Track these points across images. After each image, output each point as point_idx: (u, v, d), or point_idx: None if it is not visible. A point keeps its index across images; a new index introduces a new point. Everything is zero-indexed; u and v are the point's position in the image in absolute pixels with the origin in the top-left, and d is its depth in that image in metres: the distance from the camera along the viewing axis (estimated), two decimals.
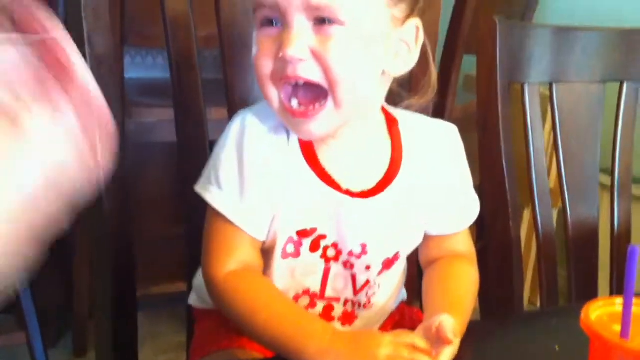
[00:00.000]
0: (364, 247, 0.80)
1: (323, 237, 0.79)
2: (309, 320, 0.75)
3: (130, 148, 0.98)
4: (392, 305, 0.91)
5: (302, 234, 0.78)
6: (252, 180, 0.76)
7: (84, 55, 0.91)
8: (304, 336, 0.71)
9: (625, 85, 1.15)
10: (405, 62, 0.77)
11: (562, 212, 1.14)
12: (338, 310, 0.84)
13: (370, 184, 0.80)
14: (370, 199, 0.79)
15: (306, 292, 0.82)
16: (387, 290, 0.87)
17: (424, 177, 0.82)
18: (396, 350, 0.68)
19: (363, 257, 0.81)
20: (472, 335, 0.78)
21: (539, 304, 1.17)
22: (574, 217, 1.13)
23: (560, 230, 1.15)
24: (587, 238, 1.15)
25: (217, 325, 0.88)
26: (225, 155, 0.78)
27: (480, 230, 2.22)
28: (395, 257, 0.84)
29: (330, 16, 0.70)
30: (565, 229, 1.14)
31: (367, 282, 0.83)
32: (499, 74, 1.00)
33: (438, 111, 1.73)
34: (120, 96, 0.97)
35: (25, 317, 1.74)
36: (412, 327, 0.75)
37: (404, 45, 0.76)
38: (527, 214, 2.26)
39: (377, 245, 0.81)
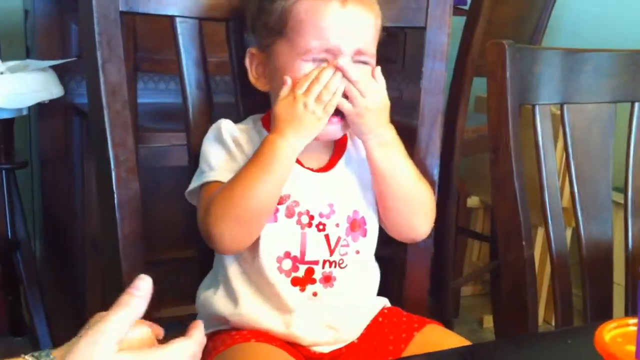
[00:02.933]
0: (331, 206, 0.96)
1: (296, 203, 0.94)
2: (258, 150, 0.90)
3: (142, 173, 0.99)
4: (368, 283, 1.01)
5: (278, 200, 0.92)
6: (235, 153, 0.94)
7: (98, 84, 0.92)
8: (269, 155, 0.89)
9: (636, 106, 1.16)
10: None
11: (576, 231, 1.14)
12: (318, 272, 0.95)
13: (324, 162, 0.98)
14: (327, 172, 0.97)
15: (287, 254, 0.94)
16: (362, 259, 0.98)
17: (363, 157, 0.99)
18: (310, 93, 0.89)
19: (332, 216, 0.95)
20: (487, 355, 0.78)
21: (553, 323, 1.17)
22: (588, 236, 1.13)
23: (574, 249, 1.15)
24: (601, 257, 1.15)
25: (224, 343, 0.94)
26: (209, 148, 0.95)
27: (494, 250, 2.23)
28: (358, 217, 0.97)
29: (365, 60, 0.94)
30: (579, 248, 1.14)
31: (339, 239, 0.96)
32: (509, 97, 1.00)
33: (449, 133, 1.74)
34: (133, 123, 0.98)
35: (39, 341, 1.75)
36: (397, 324, 0.98)
37: None
38: (540, 233, 2.26)
39: (341, 203, 0.96)
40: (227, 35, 1.03)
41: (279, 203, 0.93)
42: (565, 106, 1.10)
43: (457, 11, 1.23)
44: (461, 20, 1.72)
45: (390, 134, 0.95)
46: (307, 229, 0.94)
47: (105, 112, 0.93)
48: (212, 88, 1.05)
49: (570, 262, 1.13)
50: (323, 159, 0.99)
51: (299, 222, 0.94)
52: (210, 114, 1.04)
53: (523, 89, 1.04)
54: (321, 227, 0.95)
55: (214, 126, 0.97)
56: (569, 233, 1.80)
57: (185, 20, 1.00)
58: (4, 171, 1.78)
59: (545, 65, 1.06)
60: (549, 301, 2.33)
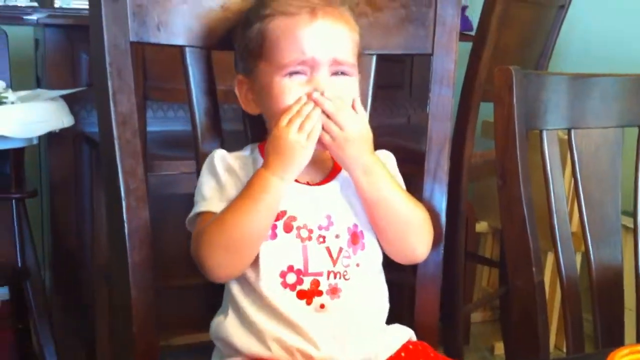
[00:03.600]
0: (329, 217, 0.97)
1: (293, 218, 0.96)
2: (249, 184, 0.93)
3: (151, 201, 0.99)
4: (375, 300, 1.01)
5: (275, 217, 0.95)
6: (227, 183, 0.97)
7: (109, 114, 0.93)
8: (260, 190, 0.92)
9: None
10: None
11: (585, 256, 1.14)
12: (324, 284, 0.95)
13: (321, 177, 1.00)
14: (323, 185, 0.99)
15: (290, 268, 0.94)
16: (364, 272, 0.98)
17: None
18: (291, 122, 0.91)
19: (331, 227, 0.97)
20: None
21: (565, 349, 1.16)
22: (598, 261, 1.13)
23: (584, 274, 1.14)
24: (611, 282, 1.15)
25: None
26: (202, 179, 0.99)
27: (503, 275, 2.22)
28: (357, 231, 0.99)
29: (344, 70, 0.96)
30: (589, 273, 1.13)
31: (340, 250, 0.97)
32: (516, 122, 1.00)
33: (456, 158, 1.75)
34: (143, 151, 0.99)
35: None
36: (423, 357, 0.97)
37: None
38: (550, 258, 2.25)
39: (339, 215, 0.98)
40: (236, 64, 1.04)
41: (276, 220, 0.94)
42: (572, 131, 1.10)
43: (463, 37, 1.24)
44: (467, 46, 1.73)
45: (373, 163, 0.96)
46: (307, 242, 0.95)
47: (116, 141, 0.94)
48: (221, 116, 1.06)
49: (581, 287, 1.13)
50: (321, 173, 1.00)
51: (298, 236, 0.95)
52: (219, 141, 1.05)
53: (530, 114, 1.04)
54: (321, 239, 0.96)
55: (209, 157, 1.00)
56: (578, 258, 1.79)
57: (194, 50, 1.01)
58: (14, 200, 1.79)
59: (552, 91, 1.07)
60: (559, 327, 2.31)
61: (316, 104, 0.92)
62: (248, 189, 0.93)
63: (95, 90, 0.98)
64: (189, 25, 0.99)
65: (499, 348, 2.34)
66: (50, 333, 1.80)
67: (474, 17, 1.90)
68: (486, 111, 1.70)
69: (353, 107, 0.95)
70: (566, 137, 1.12)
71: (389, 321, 1.03)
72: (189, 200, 1.00)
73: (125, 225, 0.96)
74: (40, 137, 1.75)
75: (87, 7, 0.99)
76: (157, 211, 1.88)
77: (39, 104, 1.67)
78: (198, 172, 1.03)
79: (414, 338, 1.03)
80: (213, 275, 0.94)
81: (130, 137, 0.95)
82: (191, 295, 2.06)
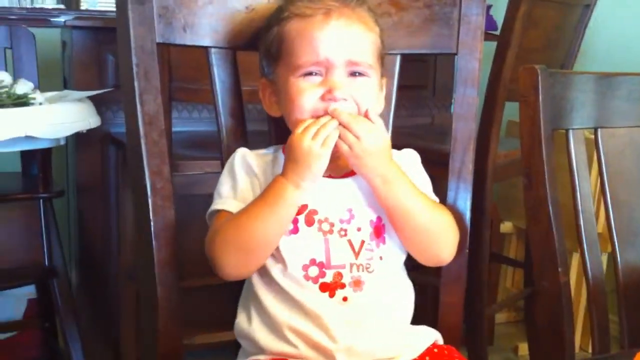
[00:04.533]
0: (350, 211, 0.97)
1: (315, 212, 0.96)
2: (265, 191, 0.94)
3: (176, 201, 1.00)
4: (398, 295, 1.00)
5: (297, 211, 0.95)
6: (244, 183, 0.98)
7: (136, 114, 0.94)
8: (276, 197, 0.92)
9: None
10: (380, 103, 1.03)
11: (612, 257, 1.13)
12: (347, 276, 0.95)
13: (343, 170, 0.99)
14: (345, 179, 0.99)
15: (313, 261, 0.95)
16: (387, 265, 0.98)
17: None
18: (307, 130, 0.91)
19: (352, 220, 0.97)
20: None
21: (590, 351, 1.15)
22: (624, 262, 1.12)
23: (610, 275, 1.13)
24: (638, 283, 1.14)
25: None
26: (222, 178, 1.00)
27: (528, 276, 2.20)
28: (381, 224, 0.98)
29: (361, 71, 0.96)
30: (616, 274, 1.12)
31: (362, 242, 0.97)
32: (542, 122, 1.00)
33: (481, 158, 1.74)
34: (169, 151, 1.00)
35: None
36: None
37: (382, 92, 1.03)
38: (575, 258, 2.23)
39: (360, 208, 0.98)
40: (261, 67, 1.05)
41: (297, 213, 0.95)
42: (598, 130, 1.10)
43: (487, 36, 1.23)
44: (492, 45, 1.73)
45: (392, 172, 0.95)
46: (329, 236, 0.96)
47: (143, 141, 0.95)
48: (245, 116, 1.07)
49: (607, 288, 1.12)
50: (343, 166, 0.99)
51: (320, 229, 0.96)
52: (244, 141, 1.05)
53: (556, 114, 1.03)
54: (343, 232, 0.96)
55: (232, 155, 1.01)
56: (604, 258, 1.77)
57: (219, 51, 1.02)
58: (41, 200, 1.81)
59: (577, 90, 1.06)
60: (585, 328, 2.29)
61: (332, 116, 0.92)
62: (265, 195, 0.93)
63: (123, 91, 0.99)
64: (214, 26, 1.00)
65: (523, 349, 2.32)
66: (76, 331, 1.82)
67: (499, 16, 1.89)
68: (511, 111, 1.69)
69: (366, 116, 0.94)
70: (592, 136, 1.11)
71: (414, 322, 1.03)
72: (212, 199, 1.01)
73: (152, 224, 0.97)
74: (67, 138, 1.77)
75: (112, 9, 1.00)
76: (182, 211, 1.90)
77: (66, 104, 1.69)
78: None
79: (440, 341, 1.02)
80: (224, 273, 0.95)
81: (157, 137, 0.96)
82: (216, 294, 2.07)
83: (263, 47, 1.00)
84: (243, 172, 0.99)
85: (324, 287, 0.94)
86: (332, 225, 0.96)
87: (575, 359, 1.12)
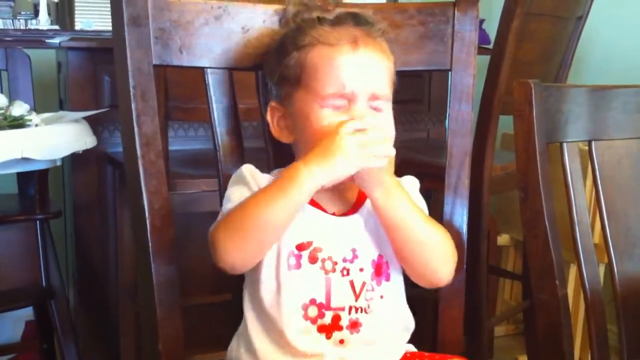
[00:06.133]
0: (354, 251, 0.96)
1: (319, 249, 0.95)
2: (282, 176, 0.92)
3: (175, 219, 1.01)
4: (396, 328, 1.00)
5: (300, 247, 0.94)
6: (253, 190, 0.95)
7: (133, 135, 0.95)
8: (290, 185, 0.89)
9: None
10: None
11: (609, 268, 1.13)
12: (345, 319, 0.94)
13: (346, 207, 0.99)
14: (349, 217, 0.98)
15: (313, 301, 0.94)
16: (387, 303, 0.98)
17: None
18: (357, 134, 0.89)
19: (355, 260, 0.96)
20: None
21: None
22: (621, 272, 1.12)
23: (607, 285, 1.13)
24: (636, 293, 1.14)
25: None
26: (232, 188, 0.98)
27: (526, 288, 2.20)
28: (382, 262, 0.98)
29: (381, 105, 0.96)
30: (613, 285, 1.12)
31: (364, 284, 0.96)
32: (536, 136, 1.00)
33: (476, 172, 1.74)
34: (166, 170, 1.01)
35: None
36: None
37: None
38: (572, 269, 2.23)
39: (364, 248, 0.97)
40: (257, 84, 1.06)
41: (301, 249, 0.94)
42: (593, 143, 1.10)
43: (481, 50, 1.24)
44: (485, 59, 1.74)
45: (393, 184, 0.95)
46: (331, 274, 0.94)
47: (140, 162, 0.96)
48: (242, 134, 1.07)
49: (604, 299, 1.12)
50: (347, 203, 0.99)
51: (322, 267, 0.94)
52: (241, 159, 1.06)
53: (550, 127, 1.04)
54: (345, 272, 0.95)
55: (237, 171, 0.99)
56: (601, 269, 1.78)
57: (216, 72, 1.03)
58: (38, 221, 1.81)
59: (572, 104, 1.07)
60: (584, 338, 2.29)
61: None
62: (282, 185, 0.91)
63: (120, 113, 0.99)
64: (210, 47, 1.01)
65: None
66: (75, 352, 1.81)
67: (491, 30, 1.90)
68: (505, 123, 1.70)
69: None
70: (586, 148, 1.12)
71: (414, 337, 1.03)
72: (211, 218, 1.01)
73: (150, 245, 0.97)
74: (63, 158, 1.77)
75: (108, 29, 1.01)
76: (180, 229, 1.90)
77: (62, 126, 1.70)
78: (220, 190, 1.04)
79: (412, 349, 1.03)
80: (225, 260, 0.92)
81: (154, 158, 0.97)
82: (212, 312, 2.07)
83: (276, 70, 0.99)
84: (253, 183, 0.97)
85: (321, 329, 0.93)
86: (335, 264, 0.95)
87: None
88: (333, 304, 0.94)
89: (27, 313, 2.14)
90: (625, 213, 1.13)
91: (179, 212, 1.71)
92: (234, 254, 0.92)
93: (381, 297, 0.97)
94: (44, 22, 2.52)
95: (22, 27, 2.38)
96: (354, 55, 0.94)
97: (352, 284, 0.95)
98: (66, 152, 1.65)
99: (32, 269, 1.84)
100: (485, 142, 1.75)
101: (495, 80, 1.72)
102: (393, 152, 0.92)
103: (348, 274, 0.95)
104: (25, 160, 1.55)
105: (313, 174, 0.89)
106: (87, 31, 2.52)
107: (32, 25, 2.41)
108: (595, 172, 1.10)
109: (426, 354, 1.02)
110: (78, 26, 2.48)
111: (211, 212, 1.63)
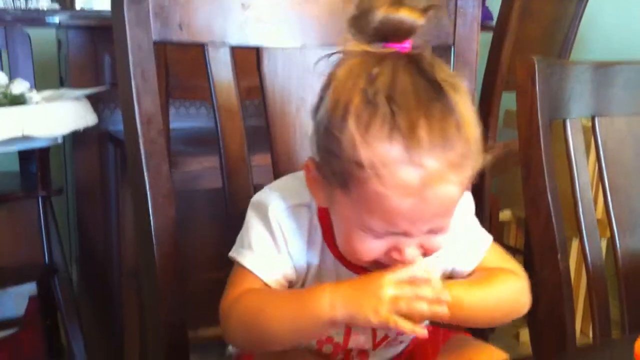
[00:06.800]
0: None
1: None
2: (307, 294, 0.78)
3: (176, 197, 1.01)
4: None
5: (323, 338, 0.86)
6: (280, 246, 0.84)
7: (134, 114, 0.94)
8: (308, 307, 0.76)
9: None
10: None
11: (611, 243, 1.13)
12: (354, 351, 0.91)
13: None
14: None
15: (329, 340, 0.88)
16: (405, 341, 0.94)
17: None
18: (399, 287, 0.73)
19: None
20: None
21: (590, 334, 1.16)
22: (624, 248, 1.12)
23: (609, 260, 1.14)
24: (637, 269, 1.14)
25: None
26: (253, 231, 0.85)
27: (527, 264, 2.20)
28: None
29: (440, 232, 0.77)
30: (615, 260, 1.13)
31: (386, 337, 0.90)
32: (539, 113, 1.00)
33: None
34: (167, 149, 1.00)
35: None
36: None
37: None
38: (574, 244, 2.24)
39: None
40: (258, 62, 1.05)
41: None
42: (596, 119, 1.10)
43: (483, 27, 1.23)
44: (488, 37, 1.73)
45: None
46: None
47: (141, 140, 0.95)
48: (243, 112, 1.07)
49: (606, 274, 1.12)
50: None
51: None
52: (242, 137, 1.05)
53: (553, 104, 1.04)
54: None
55: (260, 206, 0.85)
56: (603, 244, 1.78)
57: (216, 49, 1.02)
58: (40, 199, 1.81)
59: (575, 80, 1.06)
60: (585, 312, 2.30)
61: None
62: (299, 301, 0.78)
63: (120, 92, 0.99)
64: (210, 24, 1.00)
65: (524, 335, 2.33)
66: (78, 328, 1.83)
67: (494, 7, 1.89)
68: (508, 100, 1.69)
69: None
70: (589, 124, 1.11)
71: None
72: (213, 195, 1.00)
73: (152, 223, 0.97)
74: (64, 137, 1.77)
75: (108, 8, 1.00)
76: (181, 207, 1.91)
77: (62, 103, 1.69)
78: (221, 169, 1.04)
79: None
80: (233, 345, 0.92)
81: (155, 136, 0.96)
82: (217, 288, 2.08)
83: (327, 150, 0.75)
84: (280, 234, 0.84)
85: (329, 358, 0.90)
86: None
87: (576, 343, 1.12)
88: (350, 346, 0.89)
89: (31, 289, 2.15)
90: (627, 189, 1.13)
91: (180, 189, 1.71)
92: (239, 346, 0.90)
93: (400, 342, 0.94)
94: (43, 1, 2.51)
95: (22, 7, 2.36)
96: (419, 201, 0.71)
97: (374, 332, 0.89)
98: (67, 130, 1.65)
99: (34, 246, 1.85)
100: (487, 119, 1.75)
101: (498, 57, 1.71)
102: (444, 312, 0.74)
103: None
104: (26, 137, 1.55)
105: (334, 309, 0.74)
106: (87, 10, 2.51)
107: (32, 4, 2.39)
108: (599, 148, 1.10)
109: (430, 327, 1.01)
110: (78, 6, 2.46)
111: (213, 189, 1.63)
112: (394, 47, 0.75)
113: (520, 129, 1.03)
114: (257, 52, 1.05)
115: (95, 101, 1.82)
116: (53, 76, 2.25)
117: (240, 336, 0.83)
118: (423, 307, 0.73)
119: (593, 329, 1.12)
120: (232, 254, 0.86)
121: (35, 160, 1.81)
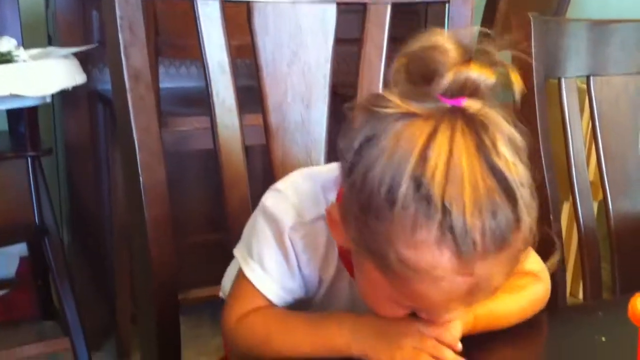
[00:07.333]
0: None
1: None
2: (323, 324, 0.76)
3: (166, 157, 0.99)
4: None
5: None
6: (293, 268, 0.80)
7: (121, 68, 0.93)
8: (326, 338, 0.74)
9: None
10: None
11: (604, 205, 1.13)
12: None
13: None
14: None
15: None
16: None
17: None
18: (421, 341, 0.70)
19: None
20: (516, 328, 0.78)
21: (580, 297, 1.16)
22: (616, 210, 1.12)
23: (600, 223, 1.14)
24: (629, 231, 1.14)
25: None
26: (262, 245, 0.80)
27: None
28: None
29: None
30: (607, 222, 1.13)
31: None
32: (535, 71, 0.99)
33: None
34: (157, 107, 0.99)
35: (69, 324, 1.78)
36: None
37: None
38: (566, 207, 2.24)
39: None
40: (249, 18, 1.03)
41: None
42: (592, 78, 1.09)
43: None
44: None
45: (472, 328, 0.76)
46: None
47: (129, 96, 0.93)
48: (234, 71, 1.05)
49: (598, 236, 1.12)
50: None
51: None
52: (234, 96, 1.04)
53: (549, 62, 1.02)
54: None
55: (276, 220, 0.79)
56: (595, 207, 1.78)
57: (207, 3, 1.00)
58: (29, 159, 1.79)
59: (571, 38, 1.05)
60: (575, 276, 2.32)
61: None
62: (317, 332, 0.75)
63: (107, 45, 0.97)
64: None
65: None
66: (70, 289, 1.82)
67: None
68: (503, 59, 1.67)
69: None
70: (584, 86, 1.10)
71: None
72: (204, 156, 0.99)
73: (141, 180, 0.96)
74: (53, 97, 1.75)
75: None
76: (172, 168, 1.90)
77: (50, 61, 1.67)
78: (212, 129, 1.02)
79: None
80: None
81: (144, 92, 0.94)
82: (208, 250, 2.08)
83: (359, 209, 0.65)
84: (292, 254, 0.79)
85: None
86: None
87: (567, 304, 1.13)
88: None
89: (22, 250, 2.15)
90: (621, 150, 1.12)
91: (171, 150, 1.70)
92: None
93: None
94: None
95: None
96: (462, 301, 0.66)
97: None
98: (55, 89, 1.62)
99: (25, 207, 1.84)
100: None
101: (493, 14, 1.69)
102: None
103: None
104: (14, 96, 1.52)
105: (350, 347, 0.73)
106: None
107: None
108: (593, 108, 1.09)
109: None
110: None
111: (204, 150, 1.62)
112: (448, 102, 0.64)
113: None
114: (247, 6, 1.03)
115: (83, 60, 1.79)
116: (41, 34, 2.21)
117: (246, 353, 0.80)
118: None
119: (584, 290, 1.12)
120: (239, 257, 0.83)
121: (24, 119, 1.78)
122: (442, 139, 0.61)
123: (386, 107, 0.64)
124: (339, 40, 1.06)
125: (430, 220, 0.60)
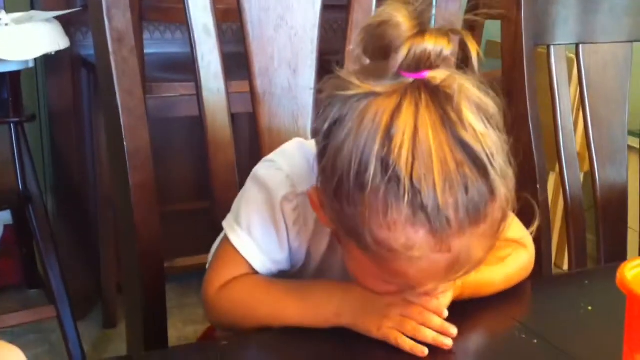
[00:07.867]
0: None
1: None
2: (312, 293, 0.76)
3: (151, 124, 0.98)
4: None
5: None
6: (282, 240, 0.79)
7: (104, 30, 0.91)
8: (314, 307, 0.74)
9: None
10: None
11: (590, 175, 1.13)
12: None
13: None
14: None
15: None
16: None
17: None
18: (407, 309, 0.71)
19: None
20: (503, 296, 0.78)
21: (565, 267, 1.17)
22: (602, 180, 1.12)
23: (587, 193, 1.14)
24: (615, 201, 1.14)
25: None
26: (257, 212, 0.79)
27: None
28: None
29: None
30: (594, 192, 1.13)
31: None
32: (524, 38, 0.98)
33: None
34: (141, 72, 0.97)
35: (54, 292, 1.77)
36: None
37: None
38: (551, 179, 2.25)
39: None
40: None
41: None
42: (580, 46, 1.08)
43: None
44: None
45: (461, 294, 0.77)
46: None
47: (112, 58, 0.91)
48: (220, 36, 1.03)
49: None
50: None
51: None
52: (220, 62, 1.02)
53: (538, 30, 1.02)
54: None
55: (269, 189, 0.78)
56: (582, 178, 1.79)
57: None
58: (12, 125, 1.77)
59: (560, 5, 1.04)
60: (560, 246, 2.33)
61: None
62: (306, 301, 0.75)
63: (90, 7, 0.95)
64: None
65: None
66: (55, 257, 1.81)
67: None
68: (490, 31, 1.67)
69: None
70: (573, 56, 1.10)
71: None
72: (190, 123, 0.98)
73: (125, 144, 0.94)
74: (36, 61, 1.72)
75: None
76: (158, 135, 1.88)
77: (33, 25, 1.64)
78: (198, 95, 1.00)
79: None
80: (213, 324, 0.87)
81: (127, 55, 0.92)
82: (194, 218, 2.07)
83: (334, 193, 0.64)
84: (284, 234, 0.78)
85: None
86: None
87: (553, 274, 1.13)
88: None
89: (6, 217, 2.13)
90: (608, 119, 1.12)
91: (156, 117, 1.68)
92: (228, 329, 0.81)
93: None
94: None
95: None
96: (445, 275, 0.65)
97: None
98: (38, 53, 1.59)
99: (8, 174, 1.82)
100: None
101: None
102: (448, 345, 0.71)
103: None
104: None
105: (339, 316, 0.73)
106: None
107: None
108: (582, 76, 1.09)
109: None
110: None
111: (189, 117, 1.59)
112: (410, 77, 0.62)
113: (504, 55, 1.01)
114: None
115: (66, 24, 1.76)
116: None
117: (229, 321, 0.79)
118: (428, 336, 0.70)
119: (569, 259, 1.13)
120: (226, 227, 0.81)
121: (6, 85, 1.76)
122: (406, 115, 0.60)
123: (347, 89, 0.63)
124: (327, 7, 1.04)
125: (400, 201, 0.59)
